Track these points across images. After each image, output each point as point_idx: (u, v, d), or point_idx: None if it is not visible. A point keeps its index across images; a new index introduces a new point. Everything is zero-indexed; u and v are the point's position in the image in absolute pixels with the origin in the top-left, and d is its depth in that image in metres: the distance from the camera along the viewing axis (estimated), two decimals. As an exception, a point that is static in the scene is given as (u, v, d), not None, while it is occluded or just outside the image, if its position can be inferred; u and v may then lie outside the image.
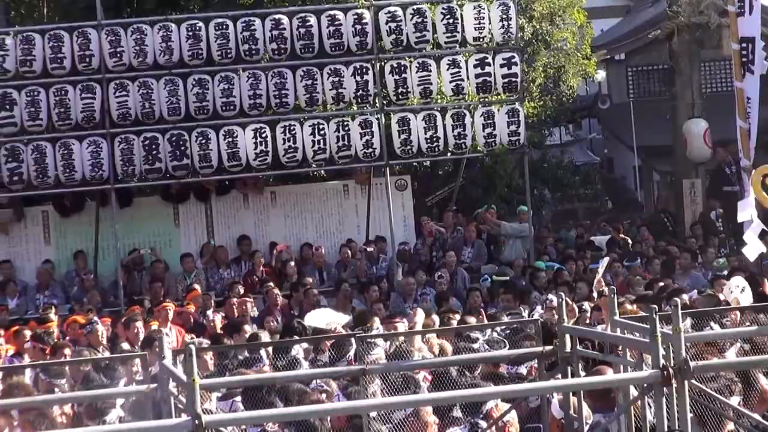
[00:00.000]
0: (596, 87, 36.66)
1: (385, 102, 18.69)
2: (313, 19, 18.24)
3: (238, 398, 9.02)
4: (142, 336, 13.94)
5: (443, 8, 18.62)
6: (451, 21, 18.57)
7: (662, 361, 6.88)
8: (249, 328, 13.74)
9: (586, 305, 13.43)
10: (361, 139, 18.30)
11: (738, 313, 11.21)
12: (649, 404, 7.56)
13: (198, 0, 21.00)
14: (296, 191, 20.23)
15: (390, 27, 18.43)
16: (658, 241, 21.32)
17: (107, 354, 13.13)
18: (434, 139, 18.50)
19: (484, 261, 19.46)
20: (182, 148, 17.91)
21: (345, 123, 18.33)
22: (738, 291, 12.48)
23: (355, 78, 18.27)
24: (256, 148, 18.02)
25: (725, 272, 17.17)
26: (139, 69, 18.03)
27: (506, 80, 18.71)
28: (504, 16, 18.72)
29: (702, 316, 10.38)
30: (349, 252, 19.18)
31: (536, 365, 9.69)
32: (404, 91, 18.52)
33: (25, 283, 18.67)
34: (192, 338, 13.78)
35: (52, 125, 17.92)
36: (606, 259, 15.37)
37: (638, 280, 16.96)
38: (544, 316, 12.69)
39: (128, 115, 17.91)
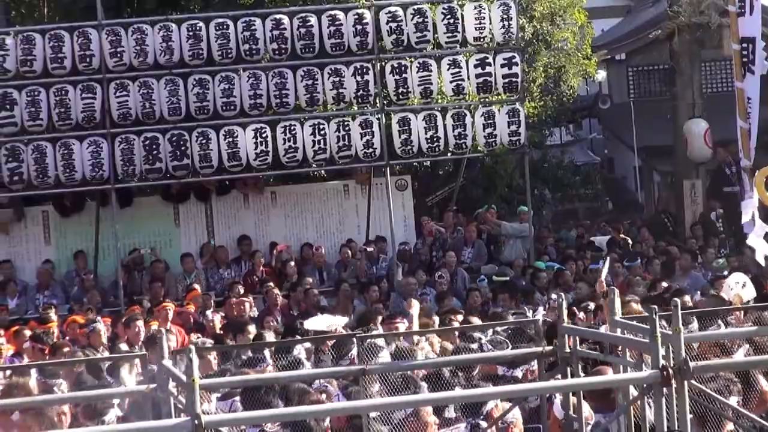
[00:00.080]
0: (597, 87, 36.67)
1: (385, 102, 18.69)
2: (313, 19, 18.24)
3: (238, 398, 9.02)
4: (143, 335, 13.95)
5: (444, 8, 18.62)
6: (451, 21, 18.57)
7: (662, 362, 6.88)
8: (252, 329, 13.72)
9: (592, 305, 13.40)
10: (361, 139, 18.30)
11: (741, 312, 11.16)
12: (648, 404, 7.56)
13: (198, 0, 20.99)
14: (296, 191, 20.24)
15: (390, 27, 18.43)
16: (659, 242, 21.31)
17: (107, 354, 13.13)
18: (435, 139, 18.50)
19: (484, 261, 19.46)
20: (182, 148, 17.91)
21: (345, 123, 18.33)
22: (739, 287, 12.40)
23: (355, 78, 18.27)
24: (256, 148, 18.02)
25: (725, 272, 17.18)
26: (140, 69, 18.03)
27: (507, 80, 18.71)
28: (504, 16, 18.72)
29: (707, 317, 10.38)
30: (350, 252, 19.19)
31: (533, 368, 9.71)
32: (405, 91, 18.51)
33: (25, 283, 18.67)
34: (198, 337, 13.82)
35: (53, 125, 17.92)
36: (608, 260, 15.33)
37: (638, 281, 16.95)
38: (547, 316, 12.68)
39: (128, 115, 17.91)
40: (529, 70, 24.31)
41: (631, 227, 24.29)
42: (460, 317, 13.60)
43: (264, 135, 18.05)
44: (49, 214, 19.35)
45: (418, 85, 18.46)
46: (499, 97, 19.02)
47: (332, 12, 18.39)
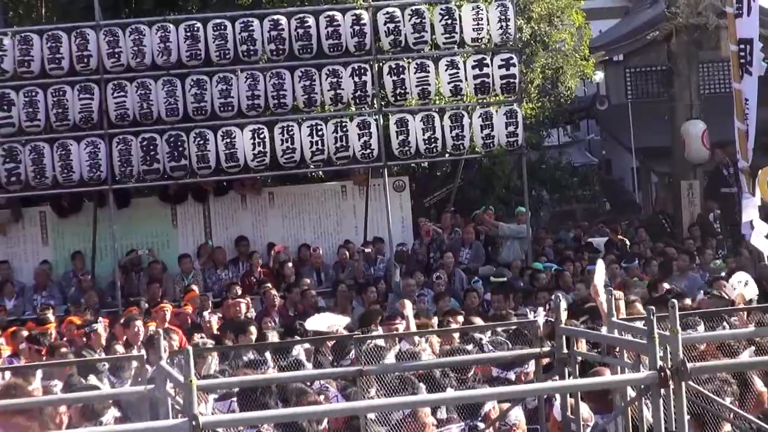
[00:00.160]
0: (594, 88, 36.67)
1: (383, 103, 18.69)
2: (311, 20, 18.23)
3: (236, 399, 9.02)
4: (142, 336, 13.95)
5: (442, 9, 18.62)
6: (449, 22, 18.57)
7: (659, 363, 6.88)
8: (254, 329, 13.70)
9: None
10: (359, 140, 18.29)
11: (744, 312, 11.16)
12: (646, 405, 7.56)
13: (196, 0, 20.99)
14: (294, 192, 20.25)
15: (388, 28, 18.43)
16: (656, 243, 21.31)
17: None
18: (432, 140, 18.50)
19: (482, 262, 19.46)
20: (180, 148, 17.91)
21: (343, 124, 18.33)
22: (741, 286, 12.36)
23: (353, 79, 18.27)
24: (254, 149, 18.01)
25: (723, 273, 17.18)
26: (137, 69, 18.02)
27: (504, 81, 18.71)
28: (502, 17, 18.72)
29: (709, 317, 10.37)
30: (347, 253, 19.19)
31: (527, 371, 9.71)
32: (402, 92, 18.51)
33: (22, 284, 18.69)
34: (201, 336, 13.83)
35: (50, 126, 17.90)
36: (599, 264, 15.17)
37: (635, 282, 16.95)
38: (548, 316, 12.67)
39: (126, 115, 17.90)
40: (527, 71, 24.30)
41: (628, 228, 24.29)
42: (460, 318, 13.59)
43: (262, 136, 18.04)
44: (47, 215, 19.36)
45: (416, 86, 18.45)
46: (497, 98, 19.02)
47: (330, 13, 18.39)
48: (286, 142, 18.10)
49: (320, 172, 20.21)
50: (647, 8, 33.96)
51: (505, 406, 8.63)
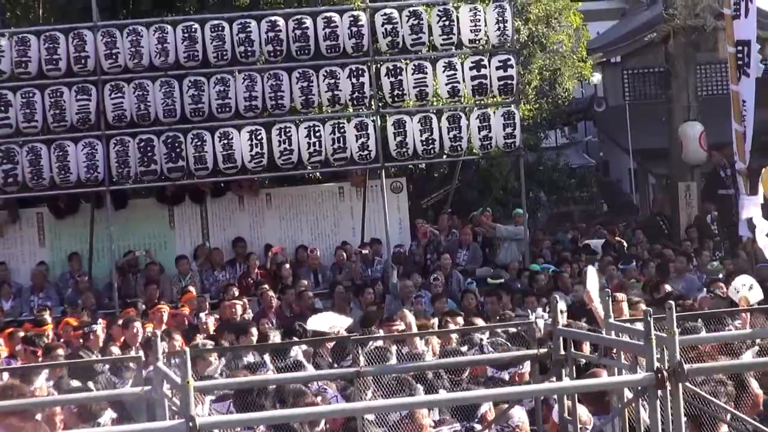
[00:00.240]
0: (592, 90, 36.70)
1: (380, 104, 18.69)
2: (308, 21, 18.23)
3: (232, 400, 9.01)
4: (140, 337, 13.94)
5: (439, 10, 18.61)
6: (447, 23, 18.56)
7: (656, 364, 6.87)
8: (255, 330, 13.67)
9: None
10: (356, 141, 18.28)
11: (747, 313, 11.13)
12: (643, 407, 7.56)
13: (194, 1, 20.98)
14: (291, 193, 20.24)
15: (386, 29, 18.42)
16: (654, 244, 21.31)
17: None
18: (430, 141, 18.50)
19: (479, 264, 19.45)
20: (177, 150, 17.90)
21: (341, 125, 18.32)
22: (745, 289, 12.31)
23: (350, 80, 18.26)
24: (251, 150, 18.00)
25: (720, 275, 17.19)
26: (135, 71, 18.01)
27: (502, 83, 18.70)
28: (500, 19, 18.71)
29: (713, 318, 10.37)
30: (345, 254, 19.18)
31: (521, 371, 9.71)
32: (400, 93, 18.50)
33: (19, 285, 18.66)
34: (204, 336, 13.82)
35: (47, 127, 17.90)
36: (590, 269, 15.06)
37: (633, 283, 16.95)
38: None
39: (123, 116, 17.89)
40: (525, 73, 24.30)
41: (626, 230, 24.30)
42: (460, 319, 13.59)
43: (259, 137, 18.04)
44: (44, 216, 19.34)
45: (414, 88, 18.44)
46: (495, 99, 19.00)
47: (327, 14, 18.38)
48: (284, 143, 18.10)
49: (317, 174, 20.20)
50: (645, 10, 34.01)
51: (502, 406, 8.62)
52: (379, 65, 18.53)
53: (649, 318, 6.94)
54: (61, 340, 14.41)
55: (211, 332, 14.79)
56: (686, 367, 6.87)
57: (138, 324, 14.32)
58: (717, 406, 7.41)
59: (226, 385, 8.95)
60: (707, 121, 23.74)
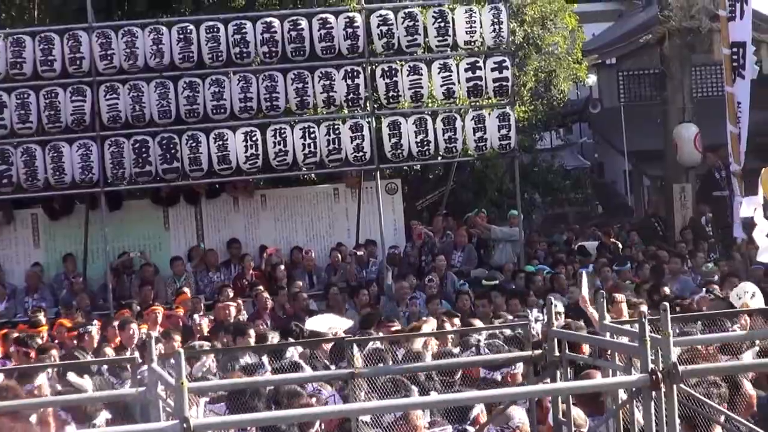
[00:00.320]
0: (587, 91, 36.70)
1: (375, 105, 18.68)
2: (304, 22, 18.22)
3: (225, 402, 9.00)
4: (137, 338, 13.95)
5: (435, 12, 18.62)
6: (442, 25, 18.56)
7: (651, 366, 6.87)
8: (253, 332, 13.65)
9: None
10: (351, 142, 18.28)
11: (747, 317, 11.13)
12: (637, 408, 7.55)
13: (189, 2, 20.97)
14: (286, 194, 20.23)
15: (381, 30, 18.41)
16: (648, 246, 21.34)
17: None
18: (425, 142, 18.50)
19: (474, 265, 19.44)
20: (172, 151, 17.88)
21: (336, 126, 18.31)
22: (748, 296, 12.31)
23: (346, 81, 18.25)
24: (246, 152, 17.99)
25: (716, 277, 17.20)
26: (130, 72, 17.98)
27: (497, 84, 18.70)
28: (495, 20, 18.71)
29: (712, 319, 10.37)
30: (339, 256, 19.17)
31: (513, 372, 9.70)
32: (395, 94, 18.50)
33: (14, 287, 18.64)
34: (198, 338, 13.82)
35: (42, 128, 17.89)
36: (584, 274, 15.00)
37: (627, 285, 16.95)
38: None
39: (118, 117, 17.87)
40: (520, 74, 24.34)
41: (620, 231, 24.34)
42: (456, 320, 13.58)
43: (254, 138, 18.02)
44: (39, 217, 19.33)
45: (409, 89, 18.44)
46: (490, 101, 19.01)
47: (323, 15, 18.38)
48: (279, 144, 18.09)
49: (312, 175, 20.18)
50: (640, 11, 34.08)
51: (496, 407, 8.61)
52: (374, 67, 18.52)
53: (644, 319, 6.94)
54: (56, 341, 14.40)
55: (206, 333, 14.79)
56: (681, 368, 6.87)
57: (134, 325, 14.34)
58: (711, 407, 7.41)
59: (221, 386, 8.94)
60: (702, 122, 23.76)
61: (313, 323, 13.17)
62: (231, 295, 17.03)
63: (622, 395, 7.73)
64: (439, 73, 18.51)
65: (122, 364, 10.91)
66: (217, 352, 11.91)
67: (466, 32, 18.62)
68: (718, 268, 18.43)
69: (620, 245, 21.65)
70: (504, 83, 18.75)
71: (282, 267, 18.62)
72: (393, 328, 13.15)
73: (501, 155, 20.10)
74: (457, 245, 19.70)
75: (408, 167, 20.66)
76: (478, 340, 10.81)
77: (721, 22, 18.38)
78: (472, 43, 18.80)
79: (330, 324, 13.11)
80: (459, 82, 18.59)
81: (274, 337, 12.96)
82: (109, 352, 13.34)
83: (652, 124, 27.27)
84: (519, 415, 8.44)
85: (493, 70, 18.65)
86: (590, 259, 19.80)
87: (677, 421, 6.93)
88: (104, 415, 8.95)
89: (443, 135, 18.54)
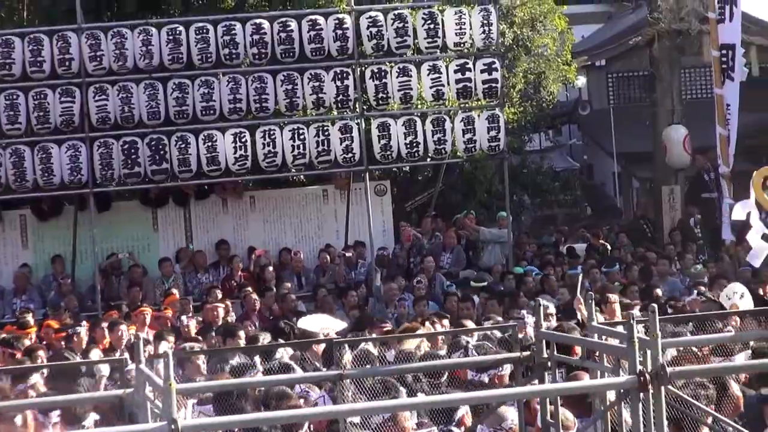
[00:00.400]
0: (576, 93, 36.73)
1: (365, 107, 18.68)
2: (293, 24, 18.21)
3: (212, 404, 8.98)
4: (125, 340, 13.92)
5: (424, 14, 18.63)
6: (431, 26, 18.57)
7: (639, 367, 6.88)
8: (243, 333, 13.63)
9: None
10: (341, 144, 18.28)
11: (738, 318, 11.16)
12: (626, 409, 7.56)
13: (178, 4, 20.93)
14: (275, 196, 20.22)
15: (371, 32, 18.41)
16: (637, 248, 21.36)
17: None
18: (414, 144, 18.50)
19: (463, 266, 19.45)
20: (161, 152, 17.86)
21: (325, 128, 18.31)
22: (737, 297, 12.36)
23: (335, 83, 18.25)
24: (235, 153, 17.98)
25: (705, 279, 17.24)
26: (119, 73, 17.96)
27: (486, 86, 18.72)
28: (485, 22, 18.73)
29: (704, 320, 10.39)
30: (328, 257, 19.17)
31: (501, 373, 9.71)
32: (384, 96, 18.50)
33: (2, 288, 18.64)
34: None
35: (31, 129, 17.86)
36: (580, 278, 14.98)
37: (616, 286, 16.96)
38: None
39: (107, 119, 17.85)
40: (509, 76, 24.34)
41: (609, 233, 24.35)
42: (445, 322, 13.58)
43: (243, 139, 18.01)
44: (27, 218, 19.29)
45: (398, 90, 18.44)
46: (479, 102, 19.03)
47: (312, 17, 18.37)
48: (268, 146, 18.08)
49: (302, 176, 20.16)
50: (630, 13, 34.08)
51: (482, 408, 8.62)
52: (363, 68, 18.52)
53: (632, 321, 6.94)
54: (43, 342, 14.37)
55: (193, 335, 14.75)
56: (669, 370, 6.88)
57: (123, 327, 14.33)
58: (699, 408, 7.42)
59: (209, 388, 8.92)
60: (691, 124, 23.80)
61: (305, 322, 13.15)
62: (219, 296, 16.99)
63: (611, 397, 7.73)
64: (428, 74, 18.52)
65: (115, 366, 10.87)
66: (207, 353, 11.88)
67: (456, 34, 18.64)
68: (707, 270, 18.46)
69: (609, 247, 21.67)
70: (493, 85, 18.77)
71: (270, 268, 18.60)
72: (385, 329, 13.15)
73: (490, 157, 20.10)
74: (445, 247, 19.71)
75: (397, 169, 20.65)
76: (467, 342, 10.82)
77: (711, 24, 18.43)
78: (462, 45, 18.82)
79: (322, 324, 13.09)
80: (448, 83, 18.60)
81: (265, 338, 12.94)
82: (98, 353, 13.30)
83: (642, 126, 27.30)
84: (512, 416, 8.45)
85: (482, 71, 18.66)
86: (579, 260, 19.81)
87: (665, 422, 6.94)
88: (93, 416, 8.93)
89: (432, 136, 18.56)
